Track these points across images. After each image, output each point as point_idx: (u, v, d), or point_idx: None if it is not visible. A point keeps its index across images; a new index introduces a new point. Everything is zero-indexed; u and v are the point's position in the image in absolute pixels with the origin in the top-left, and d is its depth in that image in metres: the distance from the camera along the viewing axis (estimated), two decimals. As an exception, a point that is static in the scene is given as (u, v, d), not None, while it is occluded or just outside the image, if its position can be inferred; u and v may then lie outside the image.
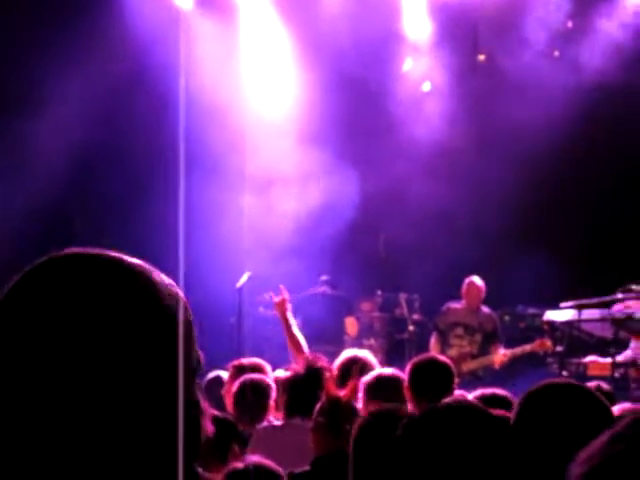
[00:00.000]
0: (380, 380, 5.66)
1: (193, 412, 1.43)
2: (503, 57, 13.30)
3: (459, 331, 11.38)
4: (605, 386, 6.35)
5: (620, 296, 10.59)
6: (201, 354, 1.49)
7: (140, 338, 1.36)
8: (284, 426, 5.84)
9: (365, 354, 6.71)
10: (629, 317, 10.32)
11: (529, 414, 3.19)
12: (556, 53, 13.58)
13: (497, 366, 11.22)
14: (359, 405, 5.31)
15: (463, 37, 14.00)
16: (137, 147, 12.66)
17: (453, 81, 13.82)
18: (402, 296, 13.12)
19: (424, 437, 2.44)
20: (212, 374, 7.43)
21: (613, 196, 13.41)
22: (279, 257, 12.43)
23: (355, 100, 13.59)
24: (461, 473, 2.40)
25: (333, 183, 12.93)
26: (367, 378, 5.65)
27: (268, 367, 6.96)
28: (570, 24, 13.52)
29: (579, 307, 10.64)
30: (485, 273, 11.62)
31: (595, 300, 10.69)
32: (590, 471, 1.24)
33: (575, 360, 11.08)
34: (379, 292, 13.76)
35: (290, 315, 7.64)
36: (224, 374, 7.23)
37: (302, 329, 11.57)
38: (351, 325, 12.63)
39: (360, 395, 5.49)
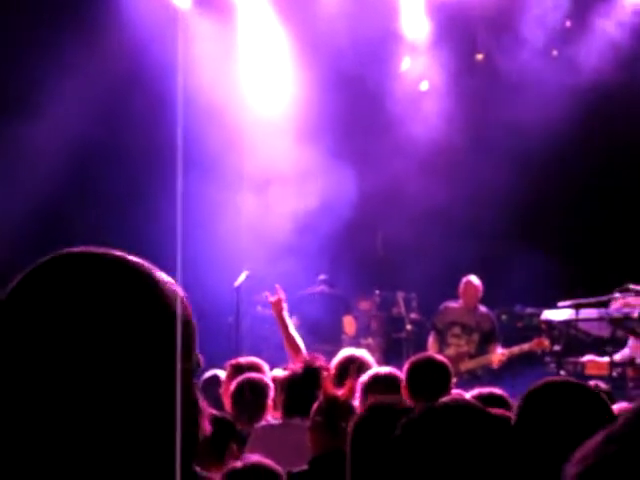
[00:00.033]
0: (377, 379, 5.66)
1: (192, 411, 1.43)
2: (501, 56, 13.30)
3: (457, 330, 11.38)
4: (603, 385, 6.35)
5: (617, 295, 10.59)
6: (200, 354, 1.49)
7: (143, 336, 1.37)
8: (282, 425, 5.84)
9: (362, 353, 6.71)
10: (627, 316, 10.31)
11: (531, 412, 3.19)
12: (554, 52, 13.57)
13: (495, 365, 11.22)
14: (357, 404, 5.31)
15: (461, 36, 14.00)
16: (135, 146, 12.65)
17: (451, 80, 13.81)
18: (400, 295, 13.13)
19: (423, 437, 2.44)
20: (209, 373, 7.43)
21: (611, 195, 13.43)
22: (277, 256, 12.43)
23: (353, 99, 13.59)
24: (460, 473, 2.40)
25: (331, 182, 12.92)
26: (364, 377, 5.65)
27: (266, 366, 6.96)
28: (568, 23, 13.52)
29: (577, 306, 10.64)
30: (483, 272, 11.62)
31: (593, 299, 10.69)
32: (585, 471, 1.24)
33: (573, 359, 11.08)
34: (377, 291, 13.76)
35: (286, 315, 7.63)
36: (221, 373, 7.23)
37: (300, 328, 11.58)
38: (349, 324, 12.62)
39: (357, 394, 5.49)
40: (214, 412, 5.15)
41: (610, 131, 13.00)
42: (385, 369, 5.99)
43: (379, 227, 14.15)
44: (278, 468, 3.77)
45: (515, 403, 5.32)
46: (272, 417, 6.27)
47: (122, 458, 1.34)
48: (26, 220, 11.50)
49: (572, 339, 11.16)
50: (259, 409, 6.20)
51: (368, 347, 10.87)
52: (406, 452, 2.43)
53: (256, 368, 6.77)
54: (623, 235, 13.16)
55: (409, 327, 12.72)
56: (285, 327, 7.52)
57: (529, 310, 13.00)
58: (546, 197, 13.65)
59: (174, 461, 1.36)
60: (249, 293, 11.69)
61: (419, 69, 14.08)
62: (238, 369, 6.69)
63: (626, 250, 12.79)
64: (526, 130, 12.63)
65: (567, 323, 11.00)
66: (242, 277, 10.84)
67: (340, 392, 5.00)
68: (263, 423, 6.07)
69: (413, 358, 6.21)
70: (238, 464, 3.74)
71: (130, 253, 1.48)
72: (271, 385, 6.33)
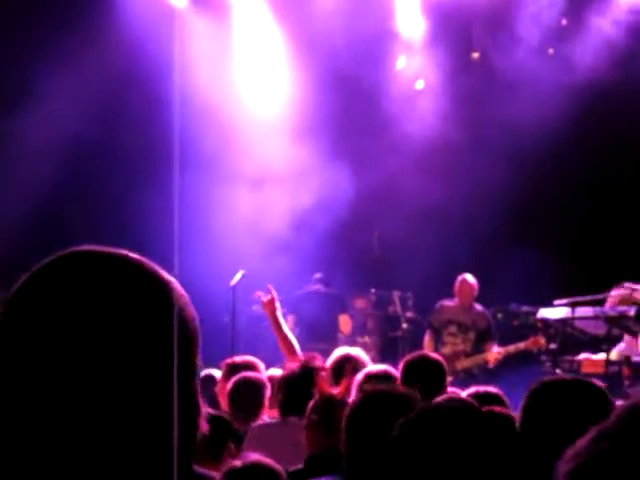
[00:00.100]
0: (370, 377, 5.66)
1: (192, 412, 1.44)
2: (497, 55, 13.31)
3: (453, 329, 11.38)
4: (599, 383, 6.35)
5: (614, 293, 10.60)
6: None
7: (150, 335, 1.38)
8: (279, 424, 5.84)
9: (358, 352, 6.70)
10: (623, 315, 10.32)
11: (537, 410, 3.20)
12: (550, 51, 13.58)
13: (491, 364, 11.23)
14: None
15: (456, 35, 14.00)
16: (131, 144, 12.66)
17: (446, 79, 13.82)
18: (396, 294, 13.13)
19: (420, 437, 2.44)
20: (204, 372, 7.43)
21: (607, 193, 13.44)
22: (273, 255, 12.44)
23: (348, 98, 13.59)
24: (458, 474, 2.40)
25: (327, 181, 12.93)
26: (358, 376, 5.66)
27: (261, 365, 6.96)
28: (564, 22, 13.52)
29: (573, 305, 10.64)
30: (479, 270, 11.62)
31: (589, 298, 10.69)
32: (576, 469, 1.25)
33: (568, 357, 11.09)
34: (373, 290, 13.77)
35: (280, 314, 7.62)
36: (216, 372, 7.24)
37: (296, 327, 11.64)
38: (345, 323, 12.62)
39: (353, 393, 5.49)
40: (211, 411, 5.16)
41: (606, 129, 13.02)
42: (379, 367, 5.99)
43: (375, 226, 14.15)
44: (278, 467, 3.75)
45: (511, 402, 5.34)
46: (268, 416, 6.27)
47: (123, 456, 1.35)
48: (22, 218, 11.50)
49: (568, 337, 11.16)
50: (255, 408, 6.20)
51: (364, 346, 10.88)
52: (404, 453, 2.43)
53: (252, 367, 6.77)
54: (619, 233, 13.17)
55: (405, 326, 12.73)
56: (279, 327, 7.50)
57: (525, 308, 13.01)
58: (542, 195, 13.66)
59: (172, 459, 1.37)
60: (245, 292, 11.67)
61: (415, 68, 14.09)
62: (234, 368, 6.70)
63: (622, 248, 12.81)
64: (522, 128, 12.64)
65: (563, 321, 11.00)
66: (238, 276, 10.83)
67: (336, 391, 5.00)
68: (259, 422, 6.07)
69: (408, 356, 6.22)
70: (238, 463, 3.72)
71: (126, 252, 1.49)
72: (267, 384, 6.34)
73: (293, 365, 6.15)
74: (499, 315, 12.93)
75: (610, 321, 10.42)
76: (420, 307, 13.00)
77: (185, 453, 1.40)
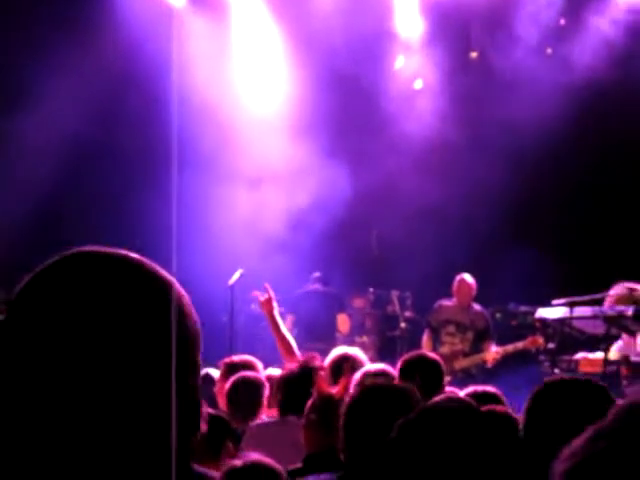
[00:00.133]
0: (368, 376, 5.66)
1: (193, 412, 1.45)
2: (495, 54, 13.30)
3: (451, 329, 11.38)
4: (601, 384, 6.34)
5: (612, 293, 10.59)
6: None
7: (150, 334, 1.39)
8: (277, 423, 5.84)
9: (356, 351, 6.70)
10: (621, 314, 10.31)
11: (541, 410, 3.20)
12: (548, 50, 13.58)
13: (489, 364, 11.23)
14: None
15: (455, 35, 14.00)
16: (129, 144, 12.66)
17: (445, 78, 13.82)
18: (394, 293, 13.13)
19: (419, 438, 2.44)
20: (202, 372, 7.42)
21: (605, 193, 13.44)
22: (271, 254, 12.43)
23: (347, 97, 13.59)
24: (457, 474, 2.40)
25: (325, 180, 12.93)
26: (356, 375, 5.66)
27: (259, 364, 6.95)
28: (562, 21, 13.52)
29: (571, 304, 10.63)
30: (477, 270, 11.62)
31: (587, 297, 10.69)
32: (572, 468, 1.24)
33: (567, 357, 11.09)
34: (371, 289, 13.76)
35: (277, 314, 7.61)
36: (214, 371, 7.23)
37: (294, 326, 11.65)
38: (343, 322, 12.61)
39: (351, 392, 5.49)
40: (209, 410, 5.16)
41: (604, 129, 13.01)
42: (377, 366, 5.99)
43: (373, 225, 14.15)
44: (278, 467, 3.74)
45: (509, 401, 5.34)
46: (267, 415, 6.27)
47: (123, 455, 1.35)
48: (22, 218, 11.50)
49: (566, 337, 11.15)
50: (254, 407, 6.20)
51: (362, 345, 10.88)
52: (404, 453, 2.43)
53: (250, 366, 6.77)
54: (617, 233, 13.17)
55: (403, 325, 12.72)
56: (276, 326, 7.49)
57: (523, 308, 13.00)
58: (540, 195, 13.66)
59: (171, 459, 1.37)
60: (243, 291, 11.67)
61: (413, 67, 14.08)
62: (232, 368, 6.69)
63: (620, 247, 12.81)
64: (520, 128, 12.63)
65: (561, 321, 10.99)
66: (236, 275, 10.83)
67: (335, 390, 5.01)
68: (258, 421, 6.07)
69: (406, 355, 6.23)
70: (238, 462, 3.71)
71: (126, 252, 1.49)
72: (266, 383, 6.34)
73: (292, 365, 6.15)
74: (497, 315, 12.93)
75: (608, 320, 10.41)
76: (418, 307, 13.00)
77: (184, 452, 1.40)
